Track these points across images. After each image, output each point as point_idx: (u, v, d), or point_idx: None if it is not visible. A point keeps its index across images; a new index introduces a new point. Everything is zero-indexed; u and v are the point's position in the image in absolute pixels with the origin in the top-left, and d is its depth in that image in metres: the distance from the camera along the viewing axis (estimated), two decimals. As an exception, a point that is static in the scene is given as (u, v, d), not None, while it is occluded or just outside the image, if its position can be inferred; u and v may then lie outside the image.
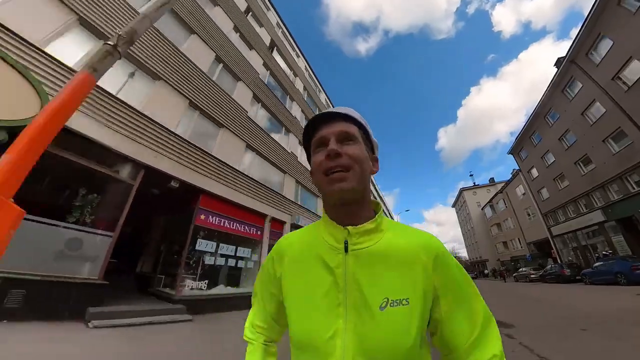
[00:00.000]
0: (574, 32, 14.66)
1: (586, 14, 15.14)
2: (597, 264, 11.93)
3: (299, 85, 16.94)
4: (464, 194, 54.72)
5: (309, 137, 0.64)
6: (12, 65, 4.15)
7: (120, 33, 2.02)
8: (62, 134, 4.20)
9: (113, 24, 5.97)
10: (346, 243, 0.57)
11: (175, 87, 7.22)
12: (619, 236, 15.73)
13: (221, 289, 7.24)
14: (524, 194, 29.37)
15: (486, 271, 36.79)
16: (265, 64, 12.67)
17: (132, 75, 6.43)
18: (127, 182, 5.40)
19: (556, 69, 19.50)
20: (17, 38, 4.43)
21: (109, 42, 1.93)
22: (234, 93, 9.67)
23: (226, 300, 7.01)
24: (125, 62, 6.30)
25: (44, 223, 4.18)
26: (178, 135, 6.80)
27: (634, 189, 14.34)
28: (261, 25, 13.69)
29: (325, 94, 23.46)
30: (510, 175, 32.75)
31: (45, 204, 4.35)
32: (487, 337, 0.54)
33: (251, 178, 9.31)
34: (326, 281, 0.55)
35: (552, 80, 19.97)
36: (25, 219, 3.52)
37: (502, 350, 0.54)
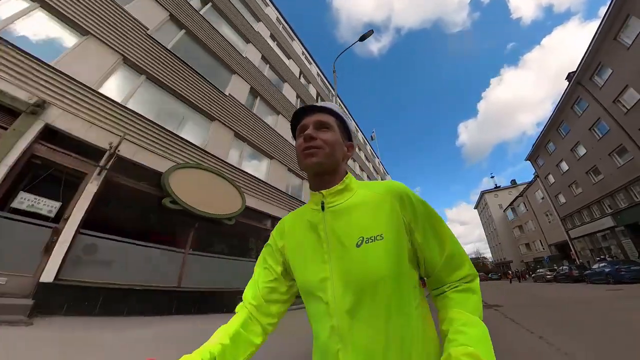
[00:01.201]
0: (602, 11, 15.78)
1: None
2: (594, 266, 14.25)
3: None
4: (485, 196, 55.38)
5: (295, 125, 0.76)
6: (226, 180, 7.80)
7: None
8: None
9: (254, 134, 9.65)
10: (323, 204, 0.69)
11: (278, 159, 10.92)
12: (628, 240, 17.64)
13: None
14: (542, 198, 30.39)
15: (510, 272, 38.21)
16: (316, 116, 16.21)
17: (260, 161, 10.22)
18: (269, 229, 9.05)
19: (567, 83, 21.06)
20: (222, 161, 8.05)
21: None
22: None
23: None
24: (256, 154, 9.99)
25: (249, 261, 7.87)
26: (286, 193, 10.44)
27: (637, 198, 16.39)
28: (309, 82, 17.28)
29: (353, 119, 26.74)
30: (533, 177, 33.16)
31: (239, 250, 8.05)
32: (460, 261, 0.63)
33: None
34: (313, 237, 0.68)
35: (562, 97, 21.75)
36: (239, 260, 7.25)
37: (475, 272, 0.63)
